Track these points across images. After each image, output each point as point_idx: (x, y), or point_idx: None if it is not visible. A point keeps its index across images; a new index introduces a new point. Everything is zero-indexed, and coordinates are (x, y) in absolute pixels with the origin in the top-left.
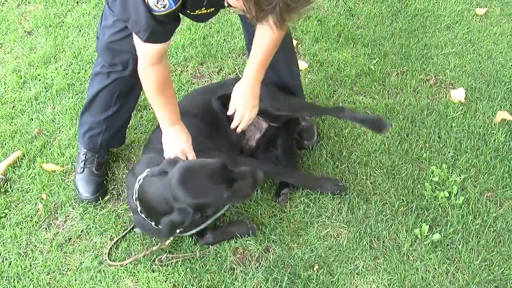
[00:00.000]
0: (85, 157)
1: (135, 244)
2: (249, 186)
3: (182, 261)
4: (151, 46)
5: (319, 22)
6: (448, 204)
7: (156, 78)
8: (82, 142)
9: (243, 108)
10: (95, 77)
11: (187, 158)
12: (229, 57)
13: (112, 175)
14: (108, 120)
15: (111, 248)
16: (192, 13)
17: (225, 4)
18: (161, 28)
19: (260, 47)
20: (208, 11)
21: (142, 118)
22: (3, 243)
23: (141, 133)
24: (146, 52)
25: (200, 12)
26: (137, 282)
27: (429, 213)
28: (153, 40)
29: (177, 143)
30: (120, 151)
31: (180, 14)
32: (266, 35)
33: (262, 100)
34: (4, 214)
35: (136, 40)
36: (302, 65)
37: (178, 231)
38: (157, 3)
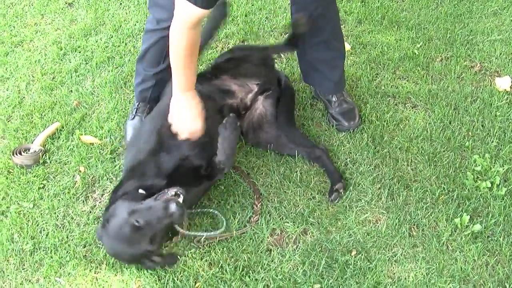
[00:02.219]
0: (138, 106)
1: None
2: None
3: (219, 240)
4: (192, 10)
5: (363, 3)
6: (490, 194)
7: (187, 42)
8: (135, 93)
9: (182, 115)
10: (146, 34)
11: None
12: (271, 35)
13: None
14: (158, 75)
15: None
16: None
17: None
18: None
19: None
20: None
21: None
22: (41, 214)
23: None
24: (186, 16)
25: None
26: None
27: (470, 203)
28: (195, 1)
29: (187, 110)
30: None
31: None
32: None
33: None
34: (42, 185)
35: (179, 2)
36: (346, 46)
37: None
38: None
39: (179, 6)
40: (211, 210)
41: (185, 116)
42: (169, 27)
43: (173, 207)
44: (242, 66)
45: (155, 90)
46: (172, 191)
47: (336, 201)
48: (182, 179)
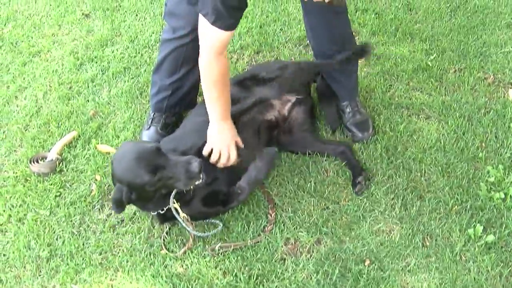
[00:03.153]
0: (153, 116)
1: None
2: (181, 182)
3: (233, 249)
4: (217, 35)
5: (377, 15)
6: (504, 205)
7: (218, 69)
8: (151, 104)
9: (218, 146)
10: (162, 44)
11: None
12: (286, 47)
13: None
14: (174, 85)
15: (165, 234)
16: None
17: None
18: (229, 13)
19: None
20: None
21: None
22: (58, 222)
23: None
24: (211, 41)
25: None
26: (187, 267)
27: (484, 213)
28: (221, 24)
29: (223, 143)
30: None
31: None
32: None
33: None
34: (59, 193)
35: (203, 28)
36: None
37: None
38: None
39: (204, 34)
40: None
41: (223, 147)
42: (185, 35)
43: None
44: (289, 82)
45: (171, 100)
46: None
47: (361, 192)
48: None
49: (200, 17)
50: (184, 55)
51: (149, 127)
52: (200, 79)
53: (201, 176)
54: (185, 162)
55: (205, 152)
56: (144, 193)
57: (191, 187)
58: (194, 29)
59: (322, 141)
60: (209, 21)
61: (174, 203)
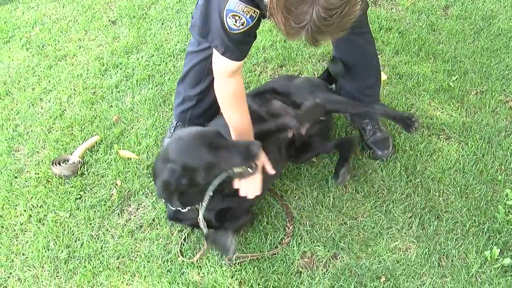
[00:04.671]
0: (176, 125)
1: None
2: (239, 158)
3: (250, 260)
4: (227, 63)
5: (400, 34)
6: None
7: (231, 89)
8: (175, 114)
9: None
10: (187, 56)
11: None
12: (309, 62)
13: None
14: (199, 96)
15: (183, 241)
16: None
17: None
18: (237, 47)
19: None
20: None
21: None
22: (77, 224)
23: None
24: (223, 68)
25: None
26: (203, 276)
27: (501, 236)
28: (230, 56)
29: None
30: None
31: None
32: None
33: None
34: (79, 196)
35: (215, 55)
36: (382, 76)
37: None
38: (236, 22)
39: (216, 60)
40: None
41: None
42: (209, 47)
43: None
44: (312, 118)
45: (195, 111)
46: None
47: (343, 183)
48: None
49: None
50: (209, 68)
51: (172, 135)
52: None
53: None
54: (245, 144)
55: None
56: (195, 180)
57: (241, 175)
58: None
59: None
60: (219, 52)
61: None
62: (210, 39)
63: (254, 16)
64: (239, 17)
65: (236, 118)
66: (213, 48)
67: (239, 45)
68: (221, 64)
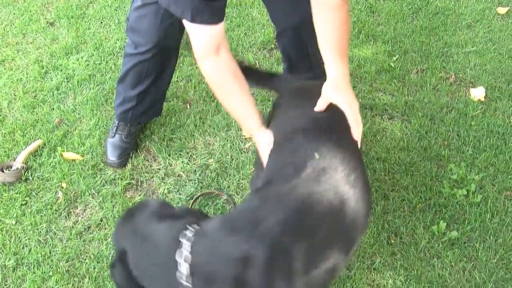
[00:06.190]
0: (118, 124)
1: None
2: None
3: None
4: (202, 31)
5: None
6: (466, 202)
7: (215, 74)
8: (116, 113)
9: (353, 108)
10: (125, 57)
11: None
12: (250, 51)
13: (132, 165)
14: (138, 97)
15: None
16: None
17: None
18: (206, 4)
19: (332, 35)
20: None
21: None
22: (24, 230)
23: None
24: (198, 40)
25: None
26: None
27: (447, 210)
28: (201, 19)
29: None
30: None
31: None
32: (332, 17)
33: None
34: (25, 202)
35: (187, 28)
36: None
37: None
38: None
39: (191, 37)
40: None
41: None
42: (146, 51)
43: None
44: None
45: (136, 111)
46: None
47: None
48: None
49: (183, 21)
50: (147, 69)
51: (114, 135)
52: (163, 89)
53: None
54: None
55: None
56: None
57: None
58: (155, 46)
59: None
60: (188, 19)
61: None
62: (174, 8)
63: None
64: None
65: (234, 109)
66: (183, 21)
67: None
68: (196, 42)
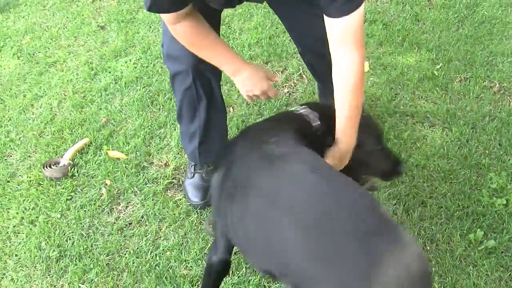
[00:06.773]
0: (194, 164)
1: (192, 232)
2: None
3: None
4: (164, 17)
5: (385, 26)
6: (505, 211)
7: (189, 33)
8: (187, 154)
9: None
10: (173, 89)
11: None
12: (294, 57)
13: (175, 165)
14: (201, 132)
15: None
16: None
17: None
18: None
19: (347, 115)
20: None
21: None
22: (68, 224)
23: None
24: (165, 18)
25: None
26: (191, 269)
27: (485, 219)
28: (157, 9)
29: (252, 79)
30: None
31: None
32: (349, 99)
33: None
34: (70, 197)
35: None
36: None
37: None
38: None
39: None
40: None
41: (253, 82)
42: (187, 77)
43: None
44: None
45: (202, 149)
46: None
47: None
48: None
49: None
50: (198, 94)
51: (193, 175)
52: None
53: None
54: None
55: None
56: None
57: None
58: (192, 66)
59: None
60: (145, 6)
61: None
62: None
63: None
64: None
65: (210, 57)
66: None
67: None
68: (163, 17)
